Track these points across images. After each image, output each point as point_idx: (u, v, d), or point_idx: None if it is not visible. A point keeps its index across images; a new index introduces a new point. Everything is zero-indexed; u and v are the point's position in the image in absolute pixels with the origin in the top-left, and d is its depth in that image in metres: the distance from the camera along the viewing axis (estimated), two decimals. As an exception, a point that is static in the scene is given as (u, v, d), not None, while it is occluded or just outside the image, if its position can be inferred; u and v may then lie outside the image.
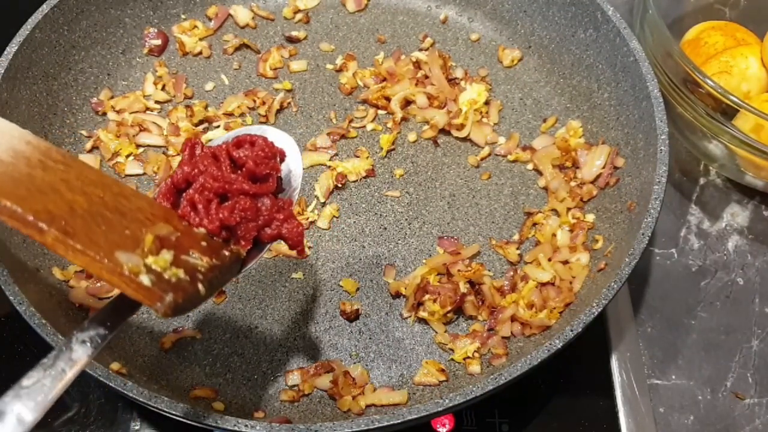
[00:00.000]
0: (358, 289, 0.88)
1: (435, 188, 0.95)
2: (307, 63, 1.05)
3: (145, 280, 0.52)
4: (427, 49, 1.06)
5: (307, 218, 0.92)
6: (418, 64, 1.03)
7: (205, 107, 1.00)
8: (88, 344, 0.54)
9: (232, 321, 0.85)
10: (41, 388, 0.51)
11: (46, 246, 0.52)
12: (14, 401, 0.50)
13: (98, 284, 0.85)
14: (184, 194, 0.65)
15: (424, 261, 0.88)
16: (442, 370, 0.81)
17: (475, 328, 0.84)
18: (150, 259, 0.54)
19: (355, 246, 0.91)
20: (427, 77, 1.02)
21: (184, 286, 0.54)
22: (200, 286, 0.55)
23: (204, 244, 0.60)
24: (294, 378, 0.81)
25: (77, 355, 0.53)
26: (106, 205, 0.57)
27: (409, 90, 1.01)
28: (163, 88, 1.02)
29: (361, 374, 0.81)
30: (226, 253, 0.62)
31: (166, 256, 0.55)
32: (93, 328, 0.55)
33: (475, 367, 0.81)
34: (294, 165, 0.71)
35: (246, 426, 0.67)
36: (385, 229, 0.92)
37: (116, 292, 0.84)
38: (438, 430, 0.84)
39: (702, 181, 1.07)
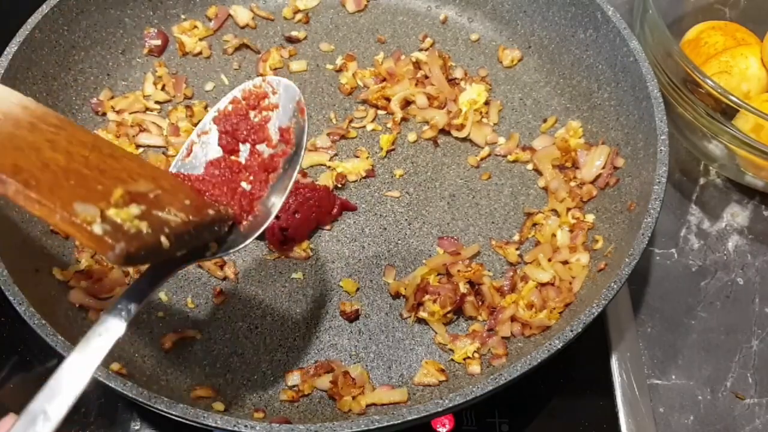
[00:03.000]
0: (358, 289, 0.88)
1: (435, 188, 0.95)
2: (306, 63, 1.05)
3: (97, 229, 0.53)
4: (427, 50, 1.06)
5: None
6: (418, 65, 1.03)
7: (205, 107, 1.00)
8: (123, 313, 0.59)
9: (232, 321, 0.85)
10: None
11: (8, 198, 0.55)
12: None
13: (98, 284, 0.85)
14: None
15: (424, 261, 0.88)
16: (442, 371, 0.81)
17: (474, 328, 0.84)
18: (112, 211, 0.55)
19: (355, 246, 0.91)
20: (427, 77, 1.02)
21: (143, 238, 0.56)
22: (163, 239, 0.57)
23: (188, 202, 0.63)
24: (294, 378, 0.81)
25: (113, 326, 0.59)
26: (87, 163, 0.60)
27: (409, 90, 1.01)
28: (163, 89, 1.02)
29: (360, 374, 0.81)
30: (210, 212, 0.65)
31: (134, 210, 0.57)
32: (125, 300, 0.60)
33: (475, 368, 0.81)
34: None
35: (246, 426, 0.67)
36: (385, 229, 0.92)
37: (116, 292, 0.85)
38: (438, 430, 0.84)
39: (702, 181, 1.07)
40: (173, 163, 0.74)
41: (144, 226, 0.56)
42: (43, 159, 0.57)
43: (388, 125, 1.00)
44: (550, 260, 0.87)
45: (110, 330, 0.58)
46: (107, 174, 0.60)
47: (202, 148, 0.74)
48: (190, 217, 0.61)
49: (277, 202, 0.70)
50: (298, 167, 0.71)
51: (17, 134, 0.59)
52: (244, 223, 0.69)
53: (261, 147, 0.73)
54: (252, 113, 0.73)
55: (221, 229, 0.67)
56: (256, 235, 0.68)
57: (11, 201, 0.55)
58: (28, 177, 0.54)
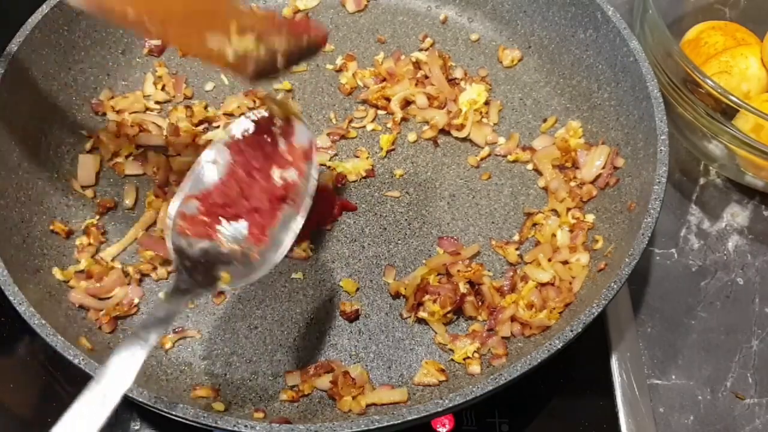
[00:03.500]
0: (358, 289, 0.88)
1: (435, 188, 0.95)
2: (306, 63, 1.05)
3: (230, 53, 0.67)
4: (427, 50, 1.06)
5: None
6: (418, 65, 1.03)
7: (205, 107, 1.00)
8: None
9: (232, 321, 0.85)
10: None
11: (150, 37, 0.72)
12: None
13: (98, 284, 0.85)
14: None
15: (424, 261, 0.88)
16: (442, 370, 0.81)
17: (474, 328, 0.84)
18: (235, 38, 0.68)
19: (355, 246, 0.91)
20: (427, 77, 1.02)
21: (264, 59, 0.69)
22: (279, 58, 0.69)
23: (285, 30, 0.72)
24: (294, 378, 0.81)
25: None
26: (198, 5, 0.72)
27: (409, 90, 1.01)
28: (163, 89, 1.02)
29: (360, 374, 0.81)
30: (305, 37, 0.73)
31: (249, 37, 0.68)
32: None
33: (475, 368, 0.81)
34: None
35: (246, 426, 0.67)
36: (385, 229, 0.92)
37: (116, 292, 0.85)
38: (438, 430, 0.84)
39: (702, 181, 1.07)
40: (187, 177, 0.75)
41: (261, 50, 0.68)
42: (164, 4, 0.70)
43: (388, 125, 1.00)
44: (550, 260, 0.87)
45: (131, 357, 0.60)
46: (216, 12, 0.71)
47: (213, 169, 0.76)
48: (292, 44, 0.71)
49: (286, 240, 0.72)
50: (305, 207, 0.74)
51: None
52: (255, 254, 0.72)
53: (275, 174, 0.75)
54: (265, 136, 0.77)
55: (315, 53, 0.76)
56: (267, 269, 0.71)
57: (153, 38, 0.68)
58: (164, 17, 0.68)
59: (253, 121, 0.77)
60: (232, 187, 0.75)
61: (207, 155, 0.76)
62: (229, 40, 0.68)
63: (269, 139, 0.77)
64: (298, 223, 0.74)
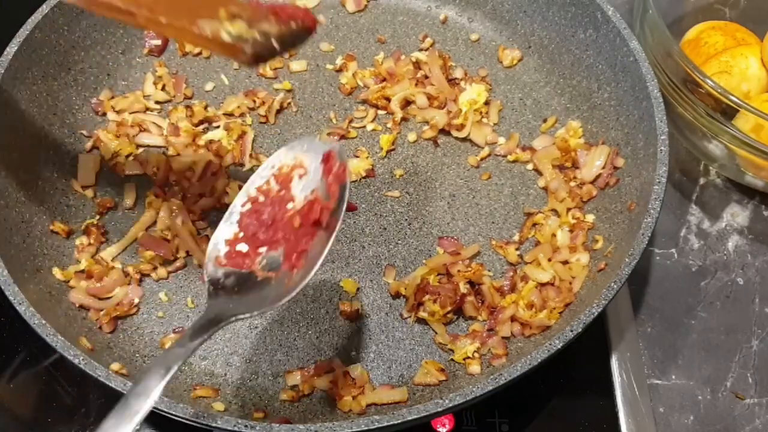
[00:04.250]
0: (358, 289, 0.88)
1: (435, 188, 0.95)
2: (307, 63, 1.05)
3: (225, 37, 0.66)
4: (427, 49, 1.06)
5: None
6: (418, 65, 1.03)
7: (205, 107, 1.00)
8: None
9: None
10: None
11: (139, 27, 0.70)
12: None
13: (98, 284, 0.85)
14: None
15: (424, 261, 0.88)
16: (442, 370, 0.81)
17: (474, 328, 0.84)
18: (227, 24, 0.67)
19: (355, 246, 0.91)
20: (427, 77, 1.02)
21: (260, 42, 0.68)
22: (274, 41, 0.69)
23: (272, 17, 0.72)
24: (294, 378, 0.81)
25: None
26: None
27: (409, 90, 1.01)
28: (163, 88, 1.02)
29: (361, 374, 0.81)
30: (293, 23, 0.72)
31: (240, 22, 0.68)
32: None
33: (475, 368, 0.81)
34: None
35: (246, 426, 0.67)
36: (385, 229, 0.92)
37: (116, 292, 0.85)
38: (438, 430, 0.84)
39: (702, 181, 1.07)
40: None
41: (255, 34, 0.68)
42: None
43: (388, 125, 1.00)
44: (550, 260, 0.87)
45: (148, 391, 0.59)
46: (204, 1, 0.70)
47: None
48: (282, 27, 0.71)
49: (318, 262, 0.71)
50: (336, 230, 0.72)
51: None
52: (289, 280, 0.70)
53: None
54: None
55: (306, 38, 0.76)
56: (297, 291, 0.69)
57: (143, 28, 0.66)
58: (152, 5, 0.67)
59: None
60: (269, 215, 0.74)
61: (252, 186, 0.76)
62: (221, 24, 0.68)
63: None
64: (329, 245, 0.72)
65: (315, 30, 0.76)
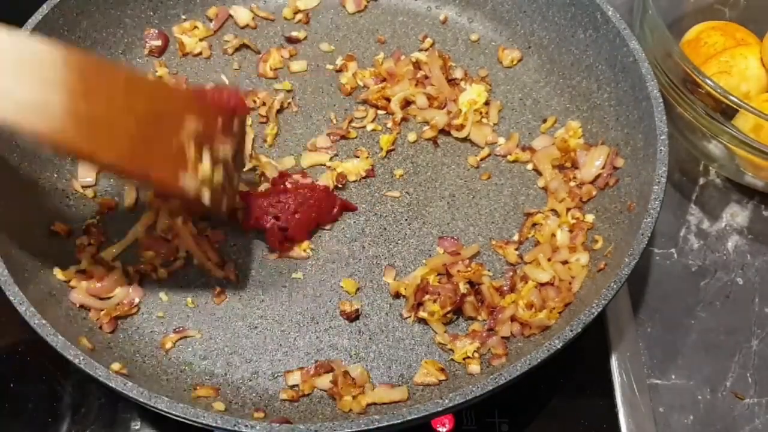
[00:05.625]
0: (358, 289, 0.88)
1: (435, 188, 0.95)
2: (307, 63, 1.05)
3: (206, 198, 0.70)
4: (427, 50, 1.06)
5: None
6: (418, 65, 1.03)
7: (205, 107, 1.00)
8: None
9: (232, 321, 0.85)
10: None
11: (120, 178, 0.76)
12: None
13: (99, 284, 0.85)
14: None
15: (424, 261, 0.88)
16: (442, 370, 0.81)
17: (474, 328, 0.84)
18: (200, 175, 0.70)
19: (355, 246, 0.91)
20: (427, 77, 1.02)
21: (227, 189, 0.72)
22: (235, 178, 0.73)
23: (220, 120, 0.73)
24: (294, 378, 0.81)
25: None
26: (144, 118, 0.69)
27: (409, 90, 1.01)
28: (163, 89, 1.02)
29: (361, 374, 0.81)
30: (236, 124, 0.74)
31: (206, 162, 0.70)
32: None
33: (474, 367, 0.81)
34: None
35: (246, 426, 0.67)
36: (385, 229, 0.92)
37: (117, 292, 0.85)
38: (438, 430, 0.84)
39: (702, 181, 1.07)
40: None
41: (219, 177, 0.71)
42: (123, 129, 0.66)
43: (388, 125, 1.00)
44: (549, 260, 0.87)
45: None
46: (162, 122, 0.69)
47: None
48: (231, 141, 0.73)
49: None
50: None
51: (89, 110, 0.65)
52: None
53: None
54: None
55: (243, 135, 0.79)
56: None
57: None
58: (132, 158, 0.66)
59: None
60: None
61: None
62: (195, 174, 0.69)
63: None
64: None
65: (248, 112, 0.79)
